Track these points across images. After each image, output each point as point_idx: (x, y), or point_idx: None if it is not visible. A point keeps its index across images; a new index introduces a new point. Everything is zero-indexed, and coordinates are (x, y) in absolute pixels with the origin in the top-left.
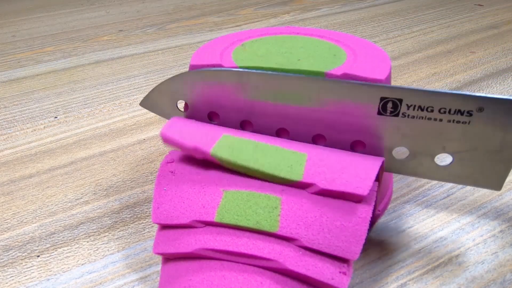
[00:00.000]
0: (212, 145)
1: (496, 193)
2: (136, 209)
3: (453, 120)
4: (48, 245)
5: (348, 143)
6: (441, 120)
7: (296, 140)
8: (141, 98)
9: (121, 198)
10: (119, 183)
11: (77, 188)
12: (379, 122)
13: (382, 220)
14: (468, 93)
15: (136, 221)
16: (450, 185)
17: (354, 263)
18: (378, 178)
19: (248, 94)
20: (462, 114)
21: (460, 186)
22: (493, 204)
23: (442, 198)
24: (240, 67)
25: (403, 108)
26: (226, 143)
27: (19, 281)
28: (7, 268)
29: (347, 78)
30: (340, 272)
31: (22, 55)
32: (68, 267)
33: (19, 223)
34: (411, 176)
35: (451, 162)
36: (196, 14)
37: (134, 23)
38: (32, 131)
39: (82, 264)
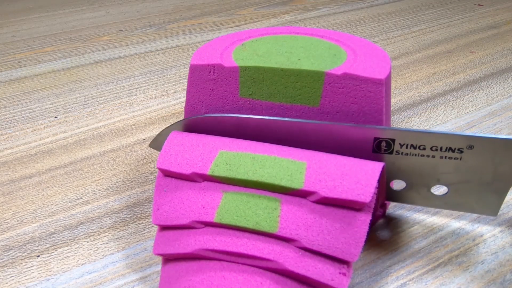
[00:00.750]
0: (209, 166)
1: None
2: (136, 209)
3: (445, 157)
4: (48, 245)
5: None
6: (433, 156)
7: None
8: (141, 98)
9: (121, 198)
10: (119, 183)
11: (77, 188)
12: (375, 159)
13: (382, 220)
14: (457, 132)
15: (136, 221)
16: None
17: (354, 263)
18: (378, 181)
19: (249, 136)
20: (453, 151)
21: None
22: None
23: None
24: (241, 67)
25: (396, 147)
26: (223, 160)
27: (19, 281)
28: (7, 268)
29: (347, 77)
30: (339, 273)
31: (22, 55)
32: (68, 267)
33: (19, 223)
34: (409, 205)
35: (446, 192)
36: (196, 14)
37: (134, 23)
38: (32, 131)
39: (82, 264)
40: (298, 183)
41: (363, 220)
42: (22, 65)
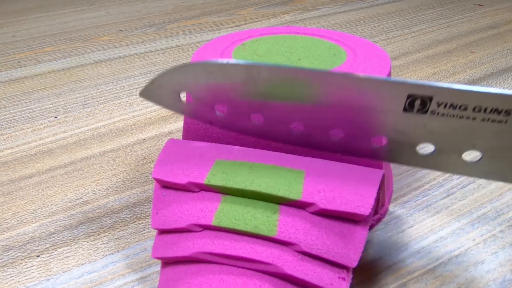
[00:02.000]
0: (205, 175)
1: (496, 193)
2: (136, 209)
3: (488, 119)
4: (48, 245)
5: (368, 138)
6: (474, 118)
7: (312, 133)
8: (141, 98)
9: (121, 198)
10: (119, 183)
11: (77, 188)
12: (404, 119)
13: (382, 220)
14: (508, 92)
15: (136, 221)
16: (450, 185)
17: None
18: (378, 189)
19: (259, 89)
20: (499, 113)
21: (460, 186)
22: (493, 204)
23: (442, 198)
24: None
25: (433, 106)
26: (219, 169)
27: (19, 281)
28: (7, 268)
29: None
30: (339, 278)
31: (22, 55)
32: (68, 267)
33: (19, 223)
34: (436, 171)
35: (480, 159)
36: (196, 14)
37: (134, 23)
38: (32, 131)
39: (82, 264)
40: (296, 194)
41: (362, 226)
42: (22, 65)
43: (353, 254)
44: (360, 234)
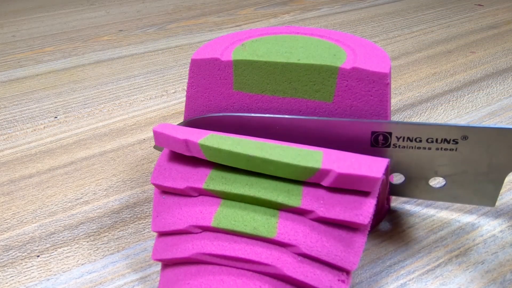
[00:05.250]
0: (204, 179)
1: None
2: (136, 209)
3: (441, 148)
4: (48, 245)
5: None
6: (429, 148)
7: None
8: (141, 98)
9: (121, 198)
10: (119, 183)
11: (77, 188)
12: (373, 153)
13: (383, 220)
14: (451, 124)
15: (136, 221)
16: None
17: None
18: (379, 193)
19: (251, 133)
20: (448, 142)
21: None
22: None
23: None
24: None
25: (393, 140)
26: (218, 173)
27: (19, 281)
28: (7, 268)
29: (355, 70)
30: (338, 280)
31: (22, 55)
32: (68, 267)
33: (19, 223)
34: (409, 198)
35: (444, 184)
36: (196, 14)
37: (134, 23)
38: (32, 131)
39: (82, 264)
40: (295, 201)
41: (362, 231)
42: (22, 65)
43: (353, 258)
44: (359, 238)
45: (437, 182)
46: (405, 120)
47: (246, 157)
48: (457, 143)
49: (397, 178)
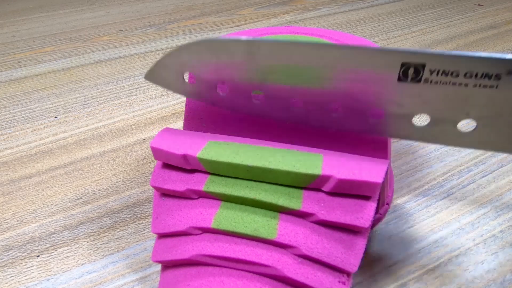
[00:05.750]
0: (204, 181)
1: (496, 193)
2: (136, 209)
3: (480, 85)
4: (48, 245)
5: (365, 112)
6: (466, 85)
7: (310, 109)
8: (141, 98)
9: (121, 198)
10: (119, 183)
11: (77, 188)
12: (399, 89)
13: (382, 220)
14: (497, 55)
15: (136, 221)
16: (450, 185)
17: None
18: (379, 196)
19: (259, 65)
20: (490, 78)
21: (460, 186)
22: (493, 204)
23: (442, 198)
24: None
25: (426, 74)
26: (218, 177)
27: (19, 281)
28: (7, 268)
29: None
30: (339, 282)
31: (22, 55)
32: (68, 267)
33: (19, 223)
34: (432, 144)
35: (474, 129)
36: (196, 14)
37: (134, 23)
38: (32, 131)
39: (82, 264)
40: (296, 204)
41: (363, 234)
42: (22, 65)
43: (353, 260)
44: (360, 241)
45: (465, 126)
46: (441, 50)
47: (245, 167)
48: (499, 79)
49: (421, 120)
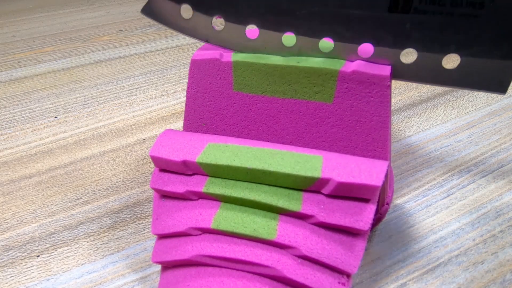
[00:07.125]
0: (204, 182)
1: (496, 193)
2: (136, 209)
3: (464, 14)
4: (48, 245)
5: (356, 46)
6: (452, 14)
7: (303, 44)
8: (141, 98)
9: (121, 198)
10: (119, 183)
11: (77, 188)
12: (389, 20)
13: (382, 220)
14: None
15: (136, 221)
16: (450, 185)
17: None
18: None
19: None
20: (474, 6)
21: (460, 186)
22: (493, 204)
23: (442, 198)
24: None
25: (415, 2)
26: (217, 178)
27: (19, 281)
28: (7, 268)
29: (357, 74)
30: (339, 283)
31: (22, 55)
32: (68, 267)
33: (19, 223)
34: (418, 83)
35: (458, 65)
36: None
37: (134, 23)
38: (32, 131)
39: (82, 264)
40: (295, 206)
41: (362, 236)
42: (22, 65)
43: (353, 261)
44: (359, 242)
45: (450, 64)
46: None
47: (245, 170)
48: (483, 7)
49: (409, 57)
